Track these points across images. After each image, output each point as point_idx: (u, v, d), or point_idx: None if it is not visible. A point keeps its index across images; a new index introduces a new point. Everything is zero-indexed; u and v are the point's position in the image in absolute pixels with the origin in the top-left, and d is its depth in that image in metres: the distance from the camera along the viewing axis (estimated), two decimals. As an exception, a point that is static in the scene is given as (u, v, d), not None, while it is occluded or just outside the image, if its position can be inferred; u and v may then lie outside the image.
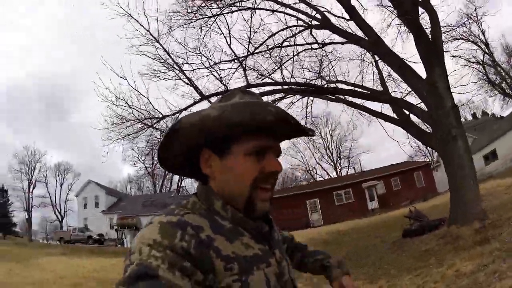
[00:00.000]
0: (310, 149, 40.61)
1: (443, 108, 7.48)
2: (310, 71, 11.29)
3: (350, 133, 39.12)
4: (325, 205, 24.81)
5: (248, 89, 0.73)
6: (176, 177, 37.86)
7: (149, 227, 0.60)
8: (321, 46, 10.73)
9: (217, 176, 0.70)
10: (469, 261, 4.67)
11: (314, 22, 9.97)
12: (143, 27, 9.42)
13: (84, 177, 39.88)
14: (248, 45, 9.87)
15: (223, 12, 9.69)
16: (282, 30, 10.28)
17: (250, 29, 9.67)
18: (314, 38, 10.51)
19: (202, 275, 0.56)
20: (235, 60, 9.94)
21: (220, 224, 0.65)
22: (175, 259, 0.54)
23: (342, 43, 10.52)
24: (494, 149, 22.40)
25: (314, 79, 11.07)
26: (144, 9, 9.85)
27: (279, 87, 9.76)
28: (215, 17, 9.78)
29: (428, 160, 29.61)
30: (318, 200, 25.15)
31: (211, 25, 9.80)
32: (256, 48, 10.13)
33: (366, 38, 9.00)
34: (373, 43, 8.70)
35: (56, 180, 42.45)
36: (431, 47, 7.94)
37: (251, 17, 9.77)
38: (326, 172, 41.96)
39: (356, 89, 10.26)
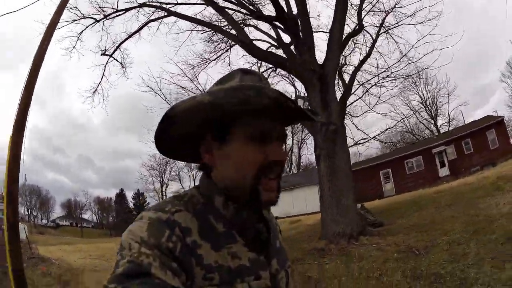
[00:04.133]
0: (410, 108, 36.03)
1: (316, 124, 7.19)
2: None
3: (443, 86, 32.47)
4: (397, 174, 23.89)
5: (249, 68, 0.71)
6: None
7: (138, 222, 0.58)
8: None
9: (218, 165, 0.66)
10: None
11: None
12: (161, 97, 11.14)
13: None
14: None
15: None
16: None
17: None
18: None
19: (185, 278, 0.55)
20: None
21: (212, 227, 0.62)
22: (164, 259, 0.53)
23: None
24: None
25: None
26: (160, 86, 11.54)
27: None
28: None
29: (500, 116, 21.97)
30: (390, 170, 24.32)
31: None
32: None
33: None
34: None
35: (189, 176, 47.01)
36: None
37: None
38: (430, 130, 36.88)
39: None
